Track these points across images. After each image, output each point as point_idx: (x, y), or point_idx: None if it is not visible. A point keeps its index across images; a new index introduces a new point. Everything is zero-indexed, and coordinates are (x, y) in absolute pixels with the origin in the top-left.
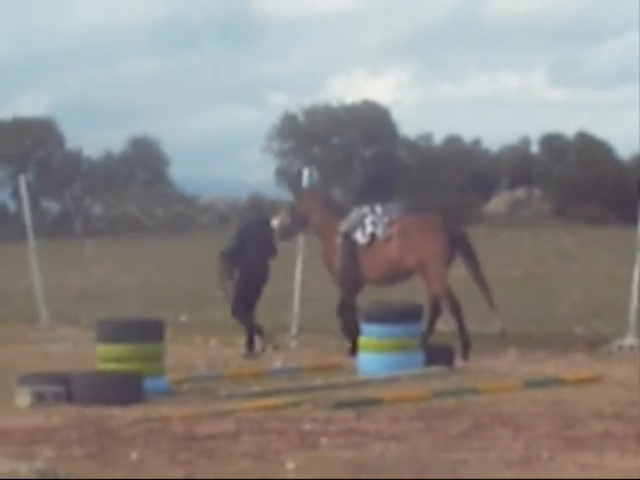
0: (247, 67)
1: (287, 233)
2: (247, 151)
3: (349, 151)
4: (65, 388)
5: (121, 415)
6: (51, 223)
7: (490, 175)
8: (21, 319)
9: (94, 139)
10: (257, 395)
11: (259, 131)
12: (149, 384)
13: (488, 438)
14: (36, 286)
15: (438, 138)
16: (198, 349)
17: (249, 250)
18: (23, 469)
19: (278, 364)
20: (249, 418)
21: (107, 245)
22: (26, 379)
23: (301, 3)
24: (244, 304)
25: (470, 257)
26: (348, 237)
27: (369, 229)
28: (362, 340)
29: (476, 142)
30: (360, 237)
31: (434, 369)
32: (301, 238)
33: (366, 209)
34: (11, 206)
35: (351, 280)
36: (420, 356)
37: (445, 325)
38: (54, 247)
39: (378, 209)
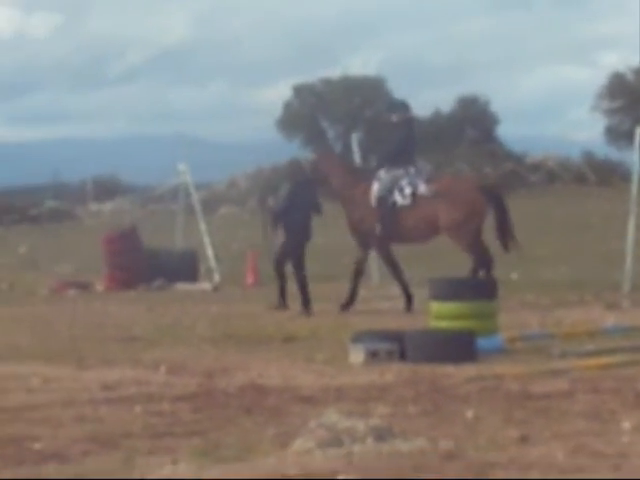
0: (579, 26)
1: None
2: (576, 110)
3: None
4: (398, 346)
5: (455, 373)
6: None
7: None
8: (347, 278)
9: (424, 98)
10: (591, 354)
11: (588, 90)
12: (482, 342)
13: None
14: None
15: None
16: (529, 307)
17: (295, 210)
18: (360, 426)
19: (610, 323)
20: (583, 377)
21: None
22: (360, 337)
23: None
24: (295, 258)
25: (503, 214)
26: (385, 200)
27: (408, 190)
28: None
29: None
30: (400, 199)
31: None
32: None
33: (400, 171)
34: None
35: (381, 239)
36: None
37: None
38: None
39: (412, 170)
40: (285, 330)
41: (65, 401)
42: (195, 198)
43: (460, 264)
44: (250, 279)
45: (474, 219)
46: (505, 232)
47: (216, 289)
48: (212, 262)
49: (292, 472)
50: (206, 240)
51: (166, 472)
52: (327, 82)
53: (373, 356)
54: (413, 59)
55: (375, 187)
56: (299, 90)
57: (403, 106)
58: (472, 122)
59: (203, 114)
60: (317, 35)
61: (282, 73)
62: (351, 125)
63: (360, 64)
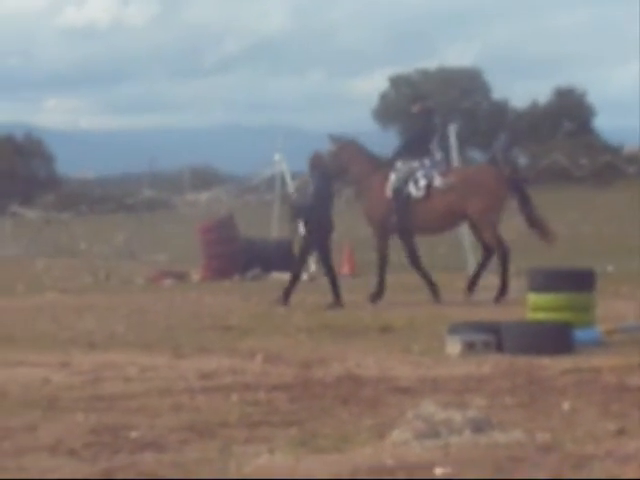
0: None
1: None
2: None
3: None
4: (495, 337)
5: (551, 365)
6: None
7: None
8: (448, 268)
9: (520, 89)
10: None
11: None
12: (579, 334)
13: None
14: (463, 235)
15: None
16: (626, 300)
17: (320, 206)
18: (457, 417)
19: None
20: None
21: (532, 195)
22: (456, 328)
23: None
24: (321, 252)
25: (526, 203)
26: (400, 192)
27: (422, 182)
28: None
29: None
30: (414, 191)
31: None
32: None
33: (415, 163)
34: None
35: (396, 229)
36: None
37: None
38: None
39: (427, 162)
40: (381, 320)
41: (162, 390)
42: (291, 188)
43: (557, 256)
44: (346, 269)
45: (497, 208)
46: (534, 220)
47: (312, 279)
48: None
49: (389, 463)
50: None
51: (263, 461)
52: (424, 73)
53: (470, 347)
54: (510, 50)
55: (392, 178)
56: (395, 81)
57: (421, 97)
58: (569, 114)
59: (299, 104)
60: (414, 25)
61: (379, 63)
62: (447, 116)
63: (457, 55)
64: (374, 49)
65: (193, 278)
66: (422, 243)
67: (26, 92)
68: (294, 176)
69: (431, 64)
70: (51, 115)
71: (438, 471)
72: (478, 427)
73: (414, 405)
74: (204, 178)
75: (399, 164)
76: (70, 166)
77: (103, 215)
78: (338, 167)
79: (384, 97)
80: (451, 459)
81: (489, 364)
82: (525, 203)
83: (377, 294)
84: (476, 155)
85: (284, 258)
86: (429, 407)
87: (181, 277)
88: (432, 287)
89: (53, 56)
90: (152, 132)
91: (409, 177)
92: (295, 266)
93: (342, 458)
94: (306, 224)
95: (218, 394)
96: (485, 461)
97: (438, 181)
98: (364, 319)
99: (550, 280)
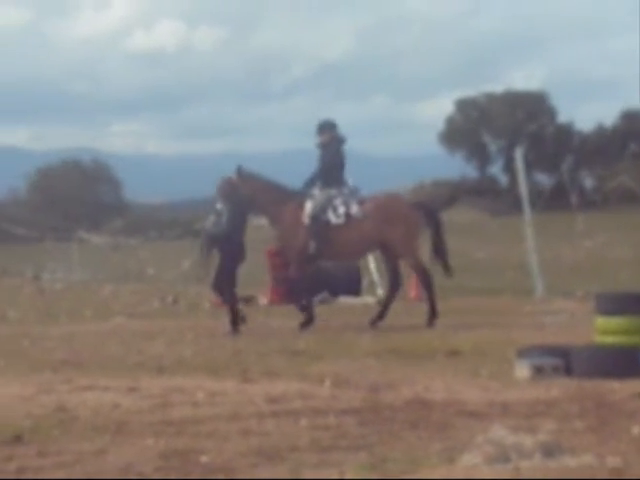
0: None
1: None
2: None
3: None
4: (564, 361)
5: (620, 389)
6: (546, 196)
7: None
8: (515, 292)
9: (585, 112)
10: None
11: None
12: None
13: None
14: (531, 259)
15: None
16: None
17: (234, 231)
18: (527, 441)
19: None
20: None
21: (598, 218)
22: (525, 352)
23: None
24: (227, 281)
25: (438, 232)
26: (318, 219)
27: (341, 209)
28: None
29: None
30: (333, 218)
31: None
32: None
33: (333, 191)
34: (502, 179)
35: (315, 256)
36: None
37: None
38: (547, 220)
39: (345, 190)
40: (449, 344)
41: (230, 414)
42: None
43: (622, 279)
44: (413, 292)
45: (414, 235)
46: (439, 251)
47: (379, 303)
48: (375, 276)
49: None
50: (369, 255)
51: None
52: (490, 96)
53: (538, 371)
54: (576, 73)
55: (308, 205)
56: (461, 104)
57: (329, 126)
58: (635, 136)
59: (364, 128)
60: (479, 49)
61: (444, 87)
62: (513, 139)
63: (523, 78)
64: (439, 73)
65: (260, 302)
66: (490, 266)
67: (93, 117)
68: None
69: (497, 87)
70: (118, 140)
71: None
72: (548, 451)
73: (483, 429)
74: None
75: (316, 192)
76: (137, 191)
77: (170, 241)
78: (245, 197)
79: (450, 121)
80: None
81: (558, 388)
82: (437, 232)
83: (307, 322)
84: (542, 179)
85: (351, 283)
86: (499, 431)
87: (248, 301)
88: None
89: (121, 81)
90: (219, 156)
91: (327, 205)
92: (226, 294)
93: None
94: (220, 252)
95: (287, 418)
96: None
97: (355, 209)
98: (432, 343)
99: (619, 303)
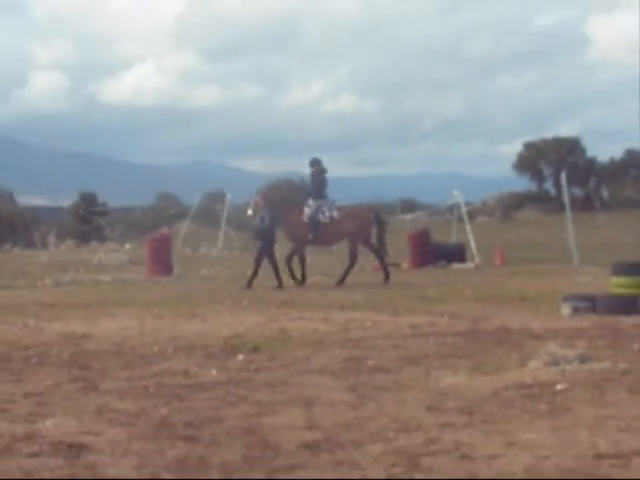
0: None
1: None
2: None
3: None
4: (591, 304)
5: (626, 321)
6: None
7: None
8: (560, 261)
9: (603, 150)
10: None
11: None
12: None
13: None
14: (570, 241)
15: None
16: None
17: (272, 229)
18: (570, 353)
19: None
20: None
21: (612, 216)
22: (567, 298)
23: None
24: (270, 255)
25: (381, 232)
26: (313, 218)
27: (327, 214)
28: None
29: None
30: (322, 218)
31: None
32: None
33: (322, 202)
34: (552, 191)
35: (311, 241)
36: None
37: None
38: (580, 218)
39: (329, 201)
40: (521, 293)
41: (386, 335)
42: (463, 211)
43: (631, 254)
44: (498, 261)
45: (364, 232)
46: (381, 239)
47: (477, 267)
48: (474, 250)
49: (528, 382)
50: (470, 237)
51: (450, 380)
52: (544, 140)
53: (576, 310)
54: (599, 126)
55: (306, 210)
56: (527, 145)
57: (317, 162)
58: (635, 165)
59: (469, 160)
60: (540, 110)
61: (517, 135)
62: (559, 167)
63: (566, 129)
64: (515, 126)
65: (403, 267)
66: (545, 245)
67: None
68: (464, 204)
69: (549, 134)
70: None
71: (559, 387)
72: (582, 359)
73: (542, 345)
74: (408, 205)
75: (310, 202)
76: None
77: None
78: (275, 208)
79: (519, 156)
80: (567, 379)
81: (588, 321)
82: (380, 232)
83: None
84: (577, 191)
85: (460, 254)
86: (552, 347)
87: (397, 266)
88: (295, 280)
89: (319, 129)
90: (375, 180)
91: (318, 210)
92: (256, 264)
93: (499, 378)
94: (262, 241)
95: (421, 338)
96: (587, 381)
97: (335, 214)
98: (510, 292)
99: (627, 268)
